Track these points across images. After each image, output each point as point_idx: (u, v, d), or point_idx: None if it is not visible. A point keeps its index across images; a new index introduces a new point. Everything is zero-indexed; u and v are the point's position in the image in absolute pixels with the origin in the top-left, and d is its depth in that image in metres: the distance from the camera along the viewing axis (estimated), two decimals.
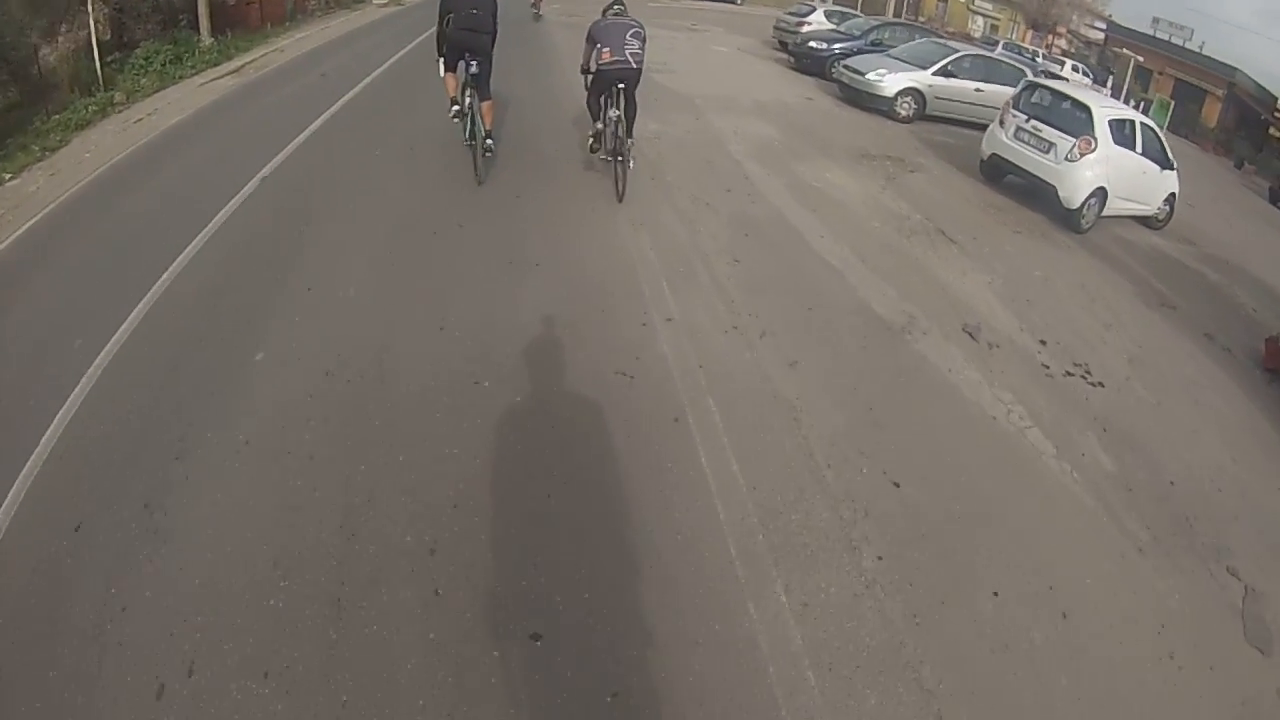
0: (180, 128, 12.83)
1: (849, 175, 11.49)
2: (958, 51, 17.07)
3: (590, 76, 8.48)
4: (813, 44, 18.81)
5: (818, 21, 22.56)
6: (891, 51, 17.56)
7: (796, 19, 23.02)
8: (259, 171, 9.55)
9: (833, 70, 18.44)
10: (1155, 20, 46.78)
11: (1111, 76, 40.83)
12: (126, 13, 20.55)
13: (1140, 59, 40.25)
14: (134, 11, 20.44)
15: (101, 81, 17.64)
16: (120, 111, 15.73)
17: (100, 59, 18.79)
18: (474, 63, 8.24)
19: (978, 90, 16.74)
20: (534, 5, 25.70)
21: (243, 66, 18.06)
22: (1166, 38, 45.84)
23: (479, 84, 8.38)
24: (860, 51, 18.46)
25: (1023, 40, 55.72)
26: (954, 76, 16.53)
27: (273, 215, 8.42)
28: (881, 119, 15.69)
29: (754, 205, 9.66)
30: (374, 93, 13.59)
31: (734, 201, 9.68)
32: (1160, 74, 43.91)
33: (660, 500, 4.76)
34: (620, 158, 8.49)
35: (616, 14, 8.26)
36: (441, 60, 8.58)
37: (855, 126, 14.48)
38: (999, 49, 32.83)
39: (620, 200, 8.69)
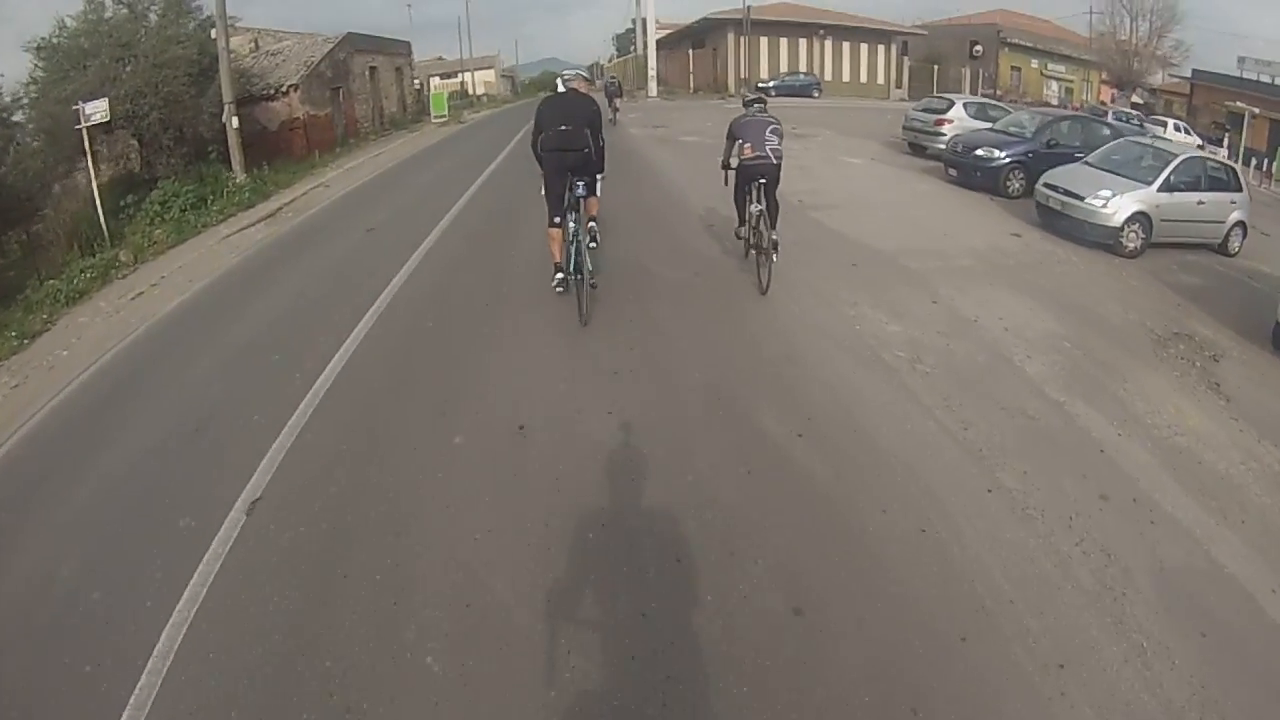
0: (184, 312, 9.54)
1: (1180, 394, 7.28)
2: (1175, 156, 13.31)
3: (731, 172, 8.60)
4: (979, 152, 15.12)
5: (959, 118, 19.07)
6: (1089, 160, 13.80)
7: (933, 116, 19.64)
8: (293, 408, 6.03)
9: (1007, 182, 14.89)
10: (1241, 60, 43.01)
11: (1227, 134, 36.68)
12: (147, 145, 17.91)
13: (1256, 110, 36.56)
14: (155, 144, 17.77)
15: (107, 235, 14.74)
16: (124, 276, 12.59)
17: (105, 208, 16.03)
18: (579, 183, 7.36)
19: (1200, 204, 12.94)
20: (612, 108, 25.42)
21: (279, 210, 15.00)
22: (1255, 77, 42.07)
23: (584, 189, 7.44)
24: (1040, 157, 14.81)
25: (1102, 100, 53.05)
26: (1177, 190, 12.69)
27: (316, 510, 4.80)
28: (1107, 257, 11.77)
29: (1154, 530, 5.14)
30: (440, 264, 9.82)
31: (1132, 538, 5.01)
32: (1256, 117, 39.80)
33: None
34: (762, 251, 8.42)
35: (756, 112, 8.41)
36: (542, 182, 7.51)
37: (1097, 280, 10.49)
38: (1110, 117, 29.41)
39: (764, 293, 8.41)
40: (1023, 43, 51.78)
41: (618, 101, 27.14)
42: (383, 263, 9.77)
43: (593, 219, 7.96)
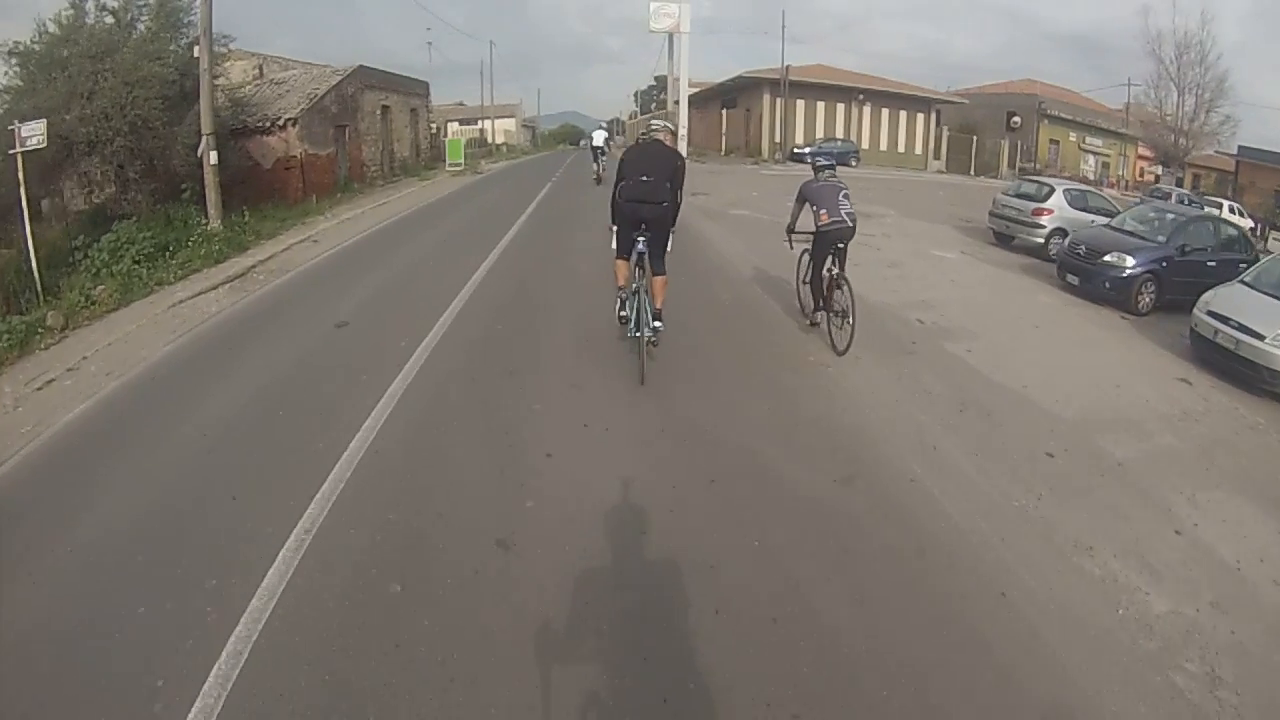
0: (84, 428, 6.90)
1: None
2: None
3: (796, 237, 8.88)
4: (1109, 258, 12.55)
5: (1059, 207, 16.78)
6: (1248, 280, 11.09)
7: (1030, 204, 17.21)
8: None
9: (1139, 296, 12.38)
10: None
11: None
12: (117, 176, 15.47)
13: None
14: (121, 176, 15.32)
15: (39, 289, 12.22)
16: (46, 346, 9.94)
17: (58, 250, 13.57)
18: (641, 239, 7.18)
19: None
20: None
21: (251, 269, 12.48)
22: None
23: (651, 259, 7.29)
24: (1174, 265, 12.39)
25: (1138, 176, 52.34)
26: None
27: None
28: None
29: None
30: (444, 386, 7.16)
31: None
32: None
33: None
34: (840, 314, 8.34)
35: (827, 177, 8.57)
36: (614, 231, 7.45)
37: None
38: (1173, 199, 27.21)
39: (842, 354, 8.22)
40: (1061, 114, 50.49)
41: None
42: (362, 380, 7.14)
43: (659, 309, 7.42)
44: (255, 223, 15.92)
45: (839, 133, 43.42)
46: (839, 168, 36.39)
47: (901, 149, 45.85)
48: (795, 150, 40.58)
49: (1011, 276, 14.13)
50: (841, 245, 8.41)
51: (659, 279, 7.44)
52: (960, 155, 46.89)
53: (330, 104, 22.36)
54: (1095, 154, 53.24)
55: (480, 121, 60.01)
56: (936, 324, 10.13)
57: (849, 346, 8.28)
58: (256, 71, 25.70)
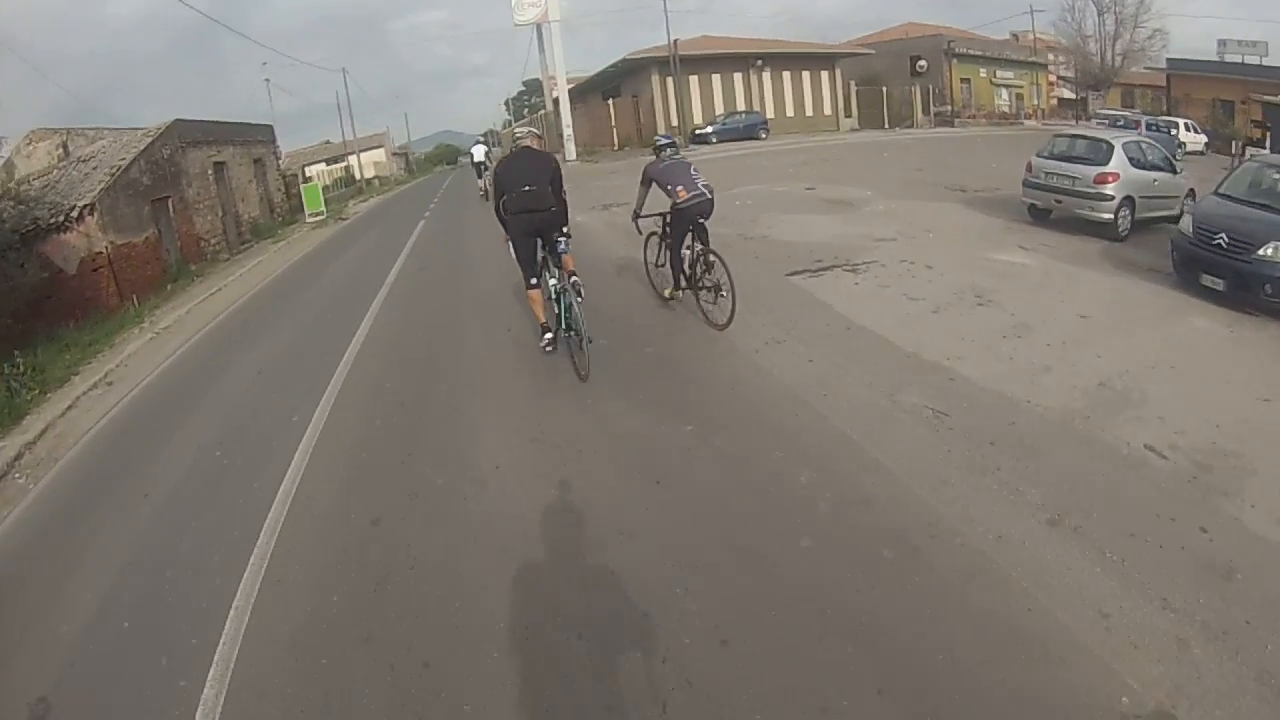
0: None
1: None
2: None
3: (643, 221, 8.93)
4: (1267, 251, 9.02)
5: (1123, 168, 13.16)
6: None
7: (1089, 168, 13.33)
8: None
9: None
10: (1222, 43, 40.61)
11: (1269, 133, 32.93)
12: None
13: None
14: None
15: None
16: None
17: None
18: (558, 241, 7.57)
19: None
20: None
21: (16, 460, 8.34)
22: (1239, 59, 39.61)
23: (549, 251, 7.62)
24: None
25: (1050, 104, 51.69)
26: None
27: None
28: None
29: None
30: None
31: None
32: (1244, 103, 36.89)
33: None
34: (716, 290, 8.29)
35: (672, 155, 8.63)
36: (511, 245, 7.68)
37: None
38: (1142, 130, 25.09)
39: (723, 327, 8.18)
40: (970, 51, 48.66)
41: None
42: None
43: (573, 273, 7.75)
44: (47, 361, 11.80)
45: (740, 105, 40.45)
46: (749, 141, 33.52)
47: (810, 112, 43.36)
48: (697, 131, 37.48)
49: (1129, 286, 10.40)
50: (702, 220, 8.42)
51: (566, 257, 7.73)
52: (871, 110, 44.96)
53: (140, 175, 18.08)
54: (1008, 87, 52.51)
55: (347, 158, 55.16)
56: (1183, 455, 5.61)
57: (731, 318, 8.17)
58: (60, 151, 21.04)
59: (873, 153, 27.26)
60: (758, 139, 37.19)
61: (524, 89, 79.21)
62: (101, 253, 16.07)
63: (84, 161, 18.88)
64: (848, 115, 44.57)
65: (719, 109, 39.95)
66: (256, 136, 27.00)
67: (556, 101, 38.74)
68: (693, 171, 8.38)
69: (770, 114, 40.34)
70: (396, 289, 12.96)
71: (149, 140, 19.01)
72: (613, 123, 41.24)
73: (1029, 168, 14.04)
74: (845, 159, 24.68)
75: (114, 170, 17.14)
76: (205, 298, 15.95)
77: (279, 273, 17.82)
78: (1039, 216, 13.88)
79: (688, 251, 8.63)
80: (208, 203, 21.68)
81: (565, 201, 7.69)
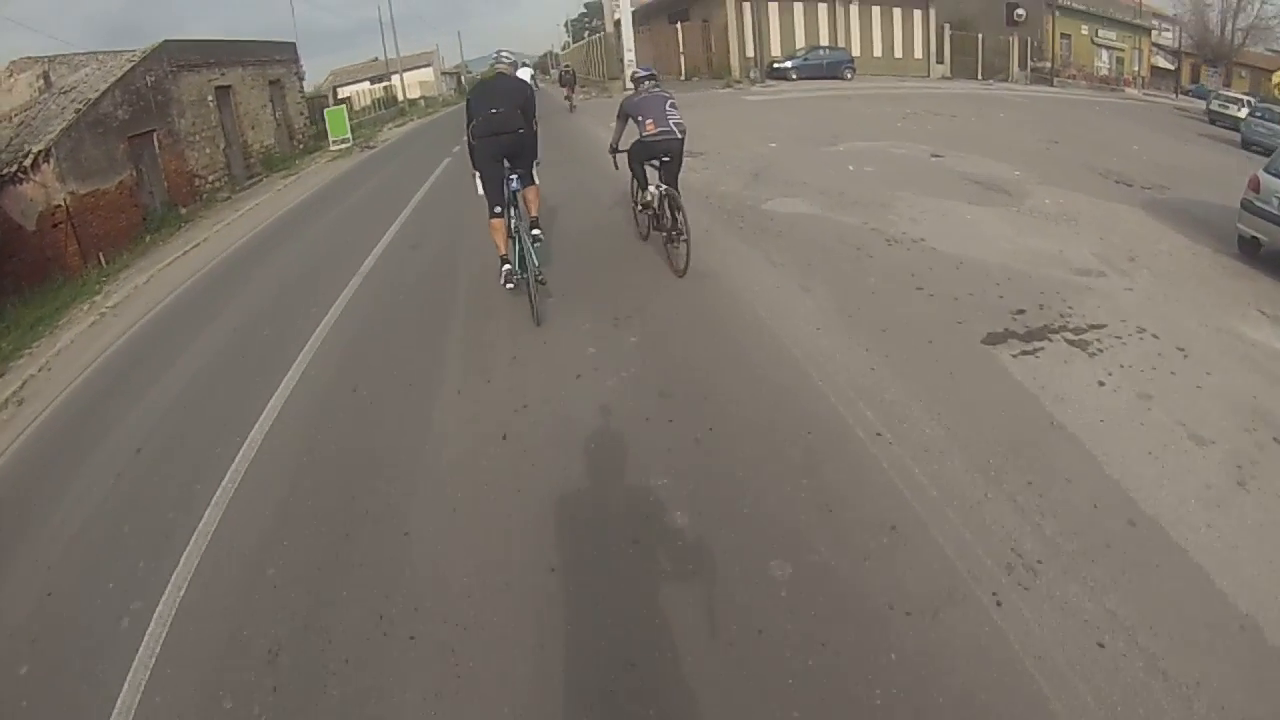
0: None
1: None
2: None
3: (627, 153, 8.61)
4: None
5: None
6: None
7: None
8: None
9: None
10: None
11: None
12: None
13: None
14: None
15: None
16: None
17: None
18: (513, 176, 7.41)
19: None
20: (567, 97, 25.10)
21: None
22: None
23: (520, 180, 7.51)
24: None
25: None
26: None
27: None
28: None
29: None
30: None
31: None
32: None
33: None
34: (678, 232, 8.29)
35: (650, 88, 8.41)
36: (477, 176, 7.54)
37: None
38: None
39: (682, 275, 8.16)
40: (1074, 4, 43.67)
41: (572, 93, 28.15)
42: None
43: (535, 217, 7.88)
44: None
45: (823, 39, 36.51)
46: (832, 81, 29.81)
47: (899, 54, 39.29)
48: (775, 65, 33.82)
49: None
50: (668, 158, 8.23)
51: (530, 189, 7.73)
52: (964, 57, 40.69)
53: (115, 108, 15.64)
54: (1109, 49, 47.59)
55: (391, 77, 52.09)
56: None
57: (687, 265, 8.20)
58: (41, 82, 18.47)
59: (983, 109, 23.54)
60: (842, 79, 33.50)
61: (585, 10, 78.88)
62: (60, 205, 13.69)
63: (64, 94, 16.50)
64: (939, 61, 40.39)
65: (799, 42, 36.12)
66: (273, 55, 24.30)
67: (618, 23, 35.28)
68: (668, 107, 8.16)
69: (856, 52, 36.42)
70: (395, 248, 11.18)
71: (128, 67, 16.41)
72: (680, 49, 37.65)
73: (1256, 186, 10.05)
74: (958, 115, 20.98)
75: (80, 107, 14.64)
76: (177, 257, 13.78)
77: (271, 220, 15.55)
78: (1248, 251, 10.12)
79: (655, 190, 8.48)
80: (205, 134, 19.21)
81: (535, 132, 7.70)
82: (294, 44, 26.43)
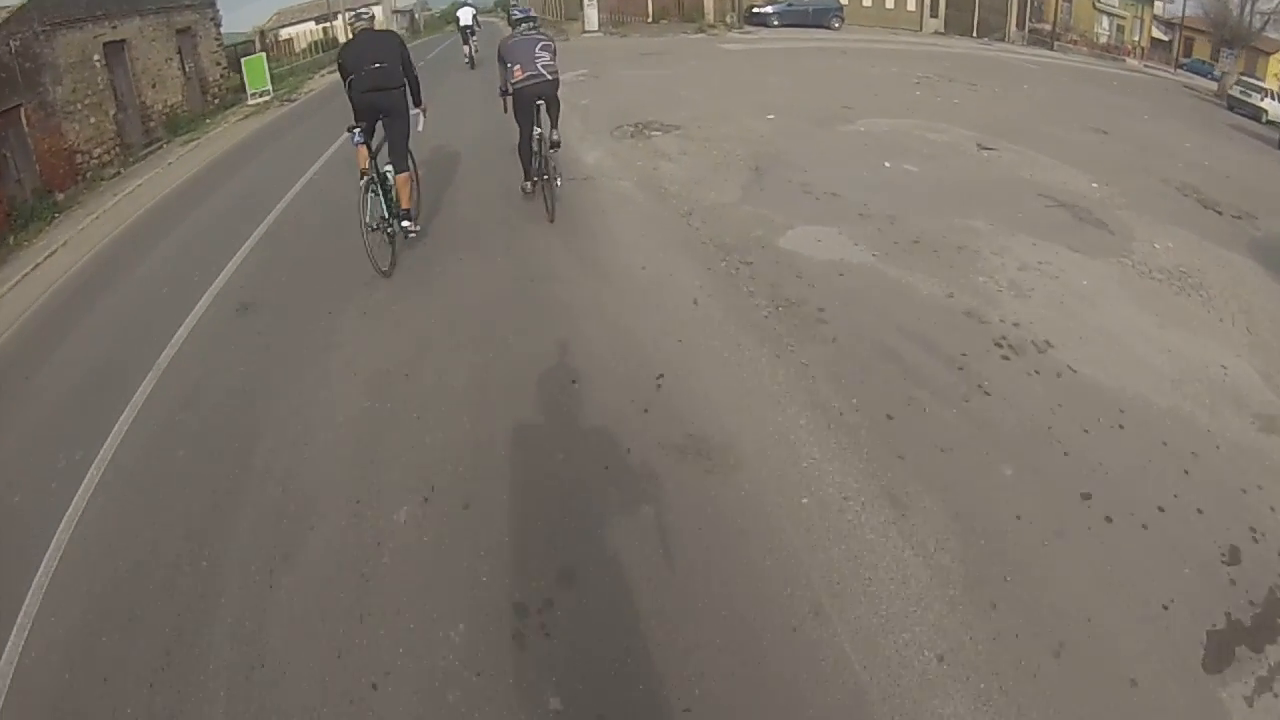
0: None
1: None
2: None
3: (509, 99, 8.62)
4: None
5: None
6: None
7: None
8: None
9: None
10: None
11: None
12: None
13: None
14: None
15: None
16: None
17: None
18: (386, 127, 7.69)
19: None
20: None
21: None
22: None
23: (393, 150, 7.79)
24: None
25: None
26: None
27: None
28: None
29: None
30: None
31: None
32: None
33: None
34: (547, 177, 8.62)
35: (525, 31, 8.49)
36: (357, 131, 7.45)
37: None
38: None
39: (552, 221, 8.58)
40: None
41: None
42: None
43: (406, 209, 7.92)
44: None
45: None
46: (819, 30, 27.09)
47: (890, 4, 36.77)
48: (754, 10, 31.25)
49: None
50: (541, 102, 8.32)
51: (402, 176, 7.82)
52: (958, 13, 38.42)
53: None
54: (1111, 15, 45.38)
55: (335, 17, 48.12)
56: None
57: (552, 214, 8.56)
58: None
59: (1001, 78, 21.21)
60: (829, 29, 31.13)
61: None
62: None
63: None
64: (933, 15, 37.97)
65: None
66: (182, 1, 21.27)
67: None
68: (538, 50, 8.24)
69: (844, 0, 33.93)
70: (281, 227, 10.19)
71: None
72: None
73: None
74: (977, 85, 18.70)
75: None
76: (47, 254, 11.83)
77: (136, 216, 13.23)
78: None
79: (536, 140, 8.48)
80: (90, 101, 16.59)
81: (416, 80, 7.89)
82: None
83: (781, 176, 10.17)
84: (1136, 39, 46.10)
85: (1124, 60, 39.75)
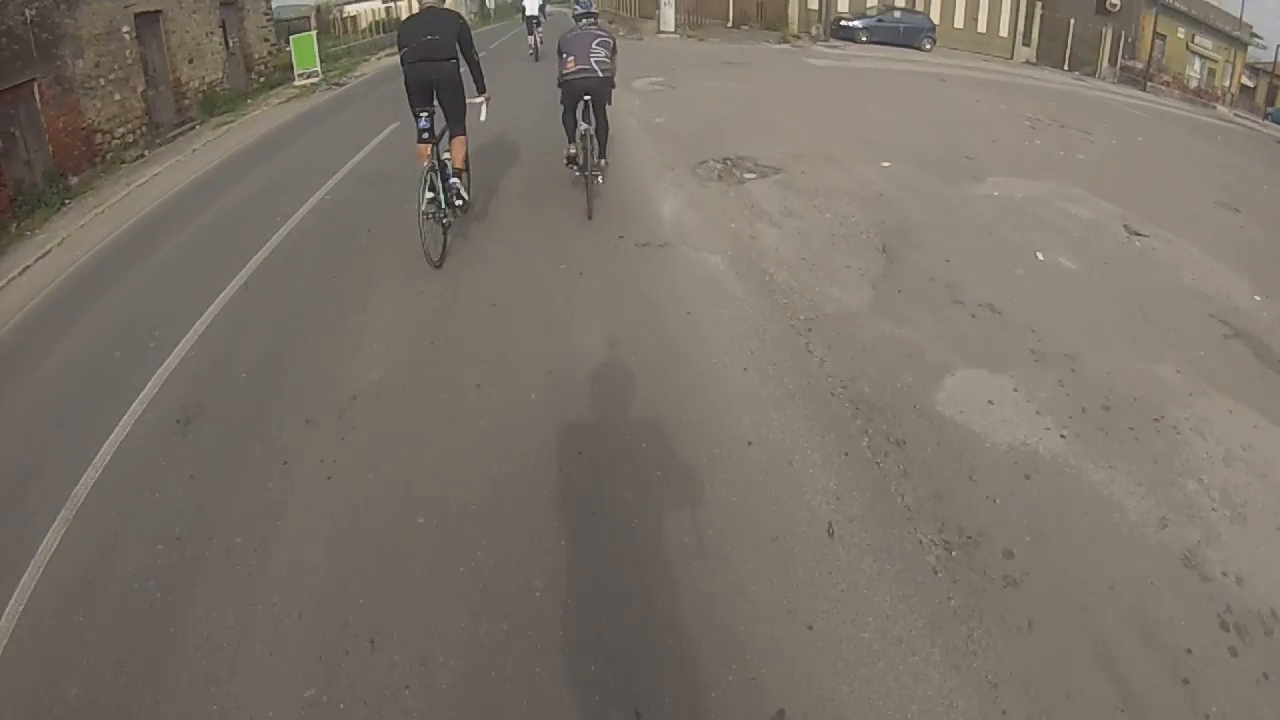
0: None
1: None
2: None
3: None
4: None
5: None
6: None
7: None
8: None
9: None
10: None
11: None
12: None
13: None
14: None
15: None
16: None
17: None
18: (440, 100, 7.60)
19: None
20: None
21: None
22: None
23: (449, 117, 7.76)
24: None
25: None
26: None
27: None
28: None
29: None
30: None
31: None
32: None
33: None
34: (591, 173, 8.64)
35: (585, 25, 8.64)
36: (422, 117, 7.50)
37: None
38: None
39: (590, 218, 8.56)
40: (1176, 4, 38.97)
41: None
42: None
43: (459, 169, 7.89)
44: None
45: None
46: (909, 50, 25.12)
47: (981, 28, 34.68)
48: (842, 22, 29.37)
49: None
50: (588, 97, 8.34)
51: (458, 139, 7.84)
52: (1050, 43, 36.25)
53: None
54: (1203, 57, 42.51)
55: None
56: None
57: (590, 212, 8.56)
58: None
59: (1106, 120, 18.88)
60: (919, 49, 29.19)
61: None
62: None
63: None
64: (1025, 43, 35.77)
65: None
66: None
67: None
68: (594, 45, 8.28)
69: (935, 18, 31.91)
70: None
71: None
72: None
73: None
74: (1090, 131, 16.35)
75: None
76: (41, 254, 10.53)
77: (150, 208, 11.97)
78: None
79: (580, 136, 8.47)
80: (117, 76, 15.27)
81: (477, 63, 7.86)
82: None
83: (919, 266, 8.03)
84: (1227, 84, 43.39)
85: (1215, 107, 37.48)
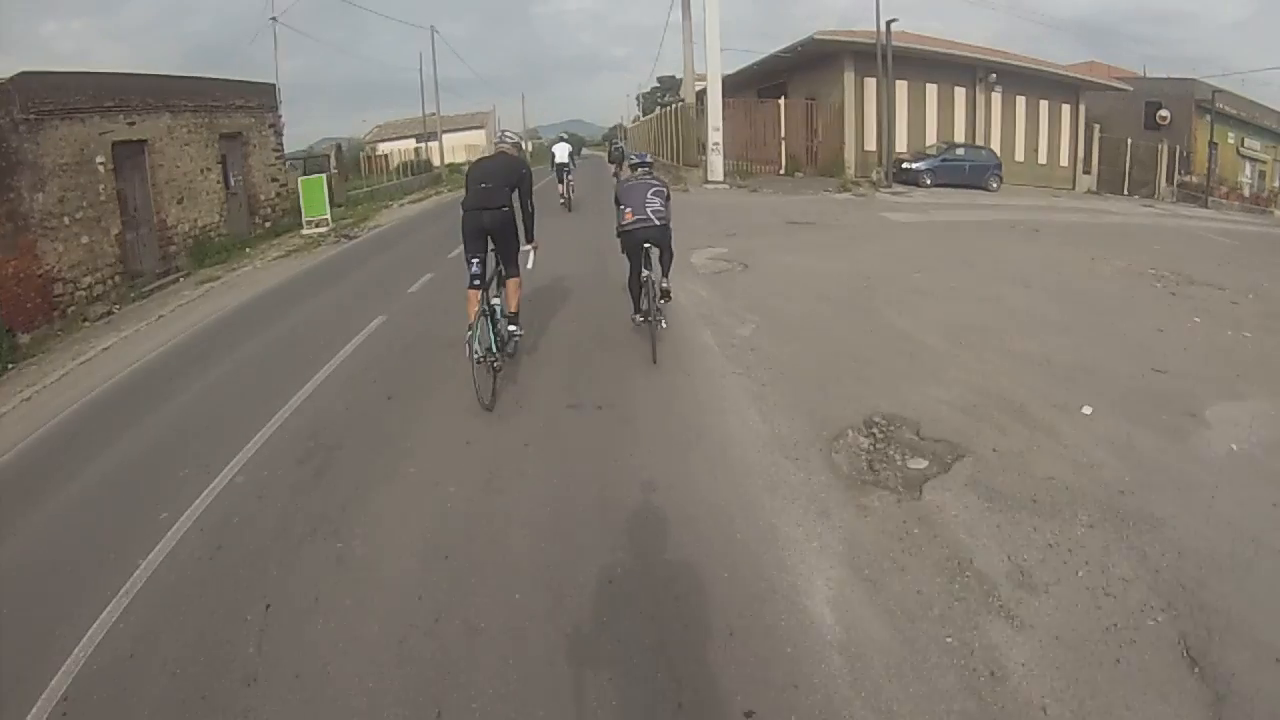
0: None
1: None
2: None
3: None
4: None
5: None
6: None
7: None
8: None
9: None
10: None
11: None
12: None
13: None
14: None
15: None
16: None
17: None
18: (495, 244, 7.68)
19: None
20: (615, 174, 23.07)
21: None
22: None
23: (504, 263, 7.89)
24: None
25: None
26: None
27: None
28: None
29: None
30: None
31: None
32: None
33: None
34: (654, 318, 8.53)
35: (640, 175, 8.89)
36: (473, 263, 7.50)
37: None
38: None
39: (654, 362, 8.19)
40: (1226, 109, 37.94)
41: (619, 170, 24.06)
42: None
43: (514, 312, 7.97)
44: None
45: (959, 133, 30.17)
46: (975, 191, 22.35)
47: (1043, 159, 33.09)
48: (904, 164, 27.47)
49: None
50: (648, 245, 8.51)
51: (512, 281, 7.91)
52: (1110, 169, 35.23)
53: None
54: (1253, 160, 41.60)
55: (429, 139, 46.36)
56: None
57: (654, 356, 8.29)
58: None
59: (1217, 264, 14.70)
60: (986, 189, 27.20)
61: (657, 84, 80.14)
62: None
63: None
64: (1085, 171, 34.10)
65: (932, 134, 29.88)
66: (231, 100, 18.18)
67: (700, 93, 28.91)
68: (649, 195, 8.44)
69: (998, 150, 30.13)
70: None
71: None
72: (780, 133, 31.23)
73: None
74: (1225, 286, 12.36)
75: None
76: None
77: (106, 387, 9.44)
78: None
79: (647, 273, 8.56)
80: (85, 215, 12.95)
81: (531, 214, 8.01)
82: (273, 86, 20.35)
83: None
84: (1276, 184, 42.08)
85: (1273, 213, 35.32)
